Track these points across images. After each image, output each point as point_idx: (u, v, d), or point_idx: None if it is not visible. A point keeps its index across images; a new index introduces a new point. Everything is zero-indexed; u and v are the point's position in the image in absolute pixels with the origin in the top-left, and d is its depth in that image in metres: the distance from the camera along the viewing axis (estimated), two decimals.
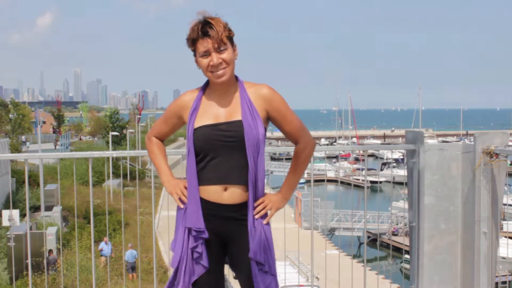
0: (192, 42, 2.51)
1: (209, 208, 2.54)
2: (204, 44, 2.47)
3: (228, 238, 2.58)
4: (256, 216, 2.53)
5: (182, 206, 2.58)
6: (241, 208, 2.53)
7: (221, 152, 2.51)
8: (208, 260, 2.55)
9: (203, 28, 2.46)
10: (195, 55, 2.55)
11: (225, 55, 2.49)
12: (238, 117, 2.52)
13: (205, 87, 2.63)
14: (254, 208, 2.55)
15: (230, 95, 2.57)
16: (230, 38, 2.52)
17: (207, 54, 2.48)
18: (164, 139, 2.82)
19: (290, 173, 2.69)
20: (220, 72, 2.49)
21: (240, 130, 2.49)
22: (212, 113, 2.55)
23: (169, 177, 2.70)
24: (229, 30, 2.51)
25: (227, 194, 2.52)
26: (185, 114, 2.62)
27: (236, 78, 2.60)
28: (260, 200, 2.56)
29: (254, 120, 2.51)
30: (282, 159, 42.44)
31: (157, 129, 2.78)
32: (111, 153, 3.83)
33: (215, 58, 2.48)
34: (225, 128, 2.51)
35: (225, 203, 2.52)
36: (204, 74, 2.56)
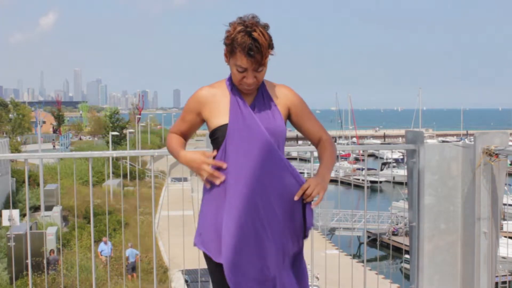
0: (232, 49, 2.40)
1: None
2: (244, 62, 2.39)
3: None
4: (308, 199, 2.41)
5: (218, 182, 2.43)
6: None
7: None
8: None
9: (250, 46, 2.36)
10: (227, 52, 2.44)
11: (260, 75, 2.45)
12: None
13: (224, 83, 2.57)
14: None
15: (252, 94, 2.54)
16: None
17: (243, 70, 2.42)
18: (185, 138, 2.70)
19: (324, 159, 2.56)
20: (249, 88, 2.47)
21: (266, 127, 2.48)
22: None
23: (186, 152, 2.53)
24: (272, 44, 2.43)
25: None
26: (204, 111, 2.56)
27: None
28: (305, 185, 2.42)
29: (275, 116, 2.50)
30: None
31: (177, 127, 2.69)
32: (111, 153, 3.83)
33: (250, 78, 2.43)
34: None
35: None
36: (232, 77, 2.50)
